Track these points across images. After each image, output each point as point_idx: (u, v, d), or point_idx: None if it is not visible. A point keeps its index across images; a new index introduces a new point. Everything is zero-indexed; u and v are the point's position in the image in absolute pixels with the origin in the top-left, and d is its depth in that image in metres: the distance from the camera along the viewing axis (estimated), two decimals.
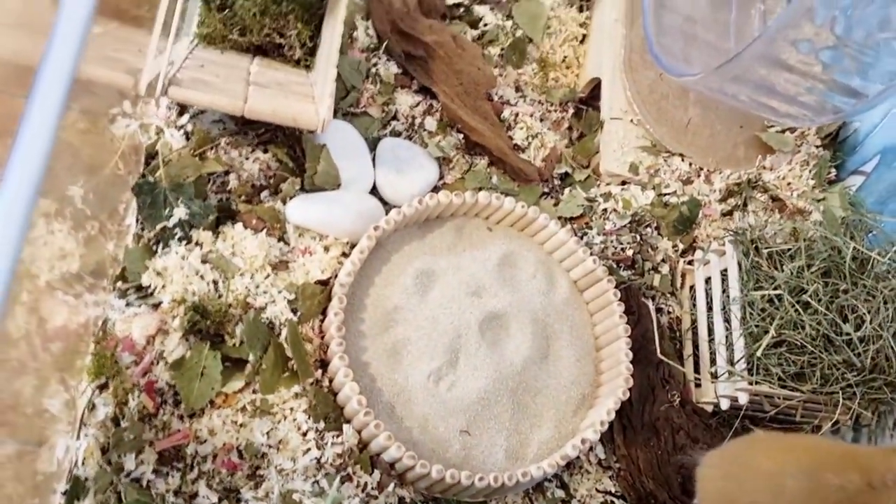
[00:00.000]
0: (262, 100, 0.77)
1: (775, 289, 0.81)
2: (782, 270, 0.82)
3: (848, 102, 0.78)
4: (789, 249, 0.84)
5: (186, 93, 0.74)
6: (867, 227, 0.89)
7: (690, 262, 0.94)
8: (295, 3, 0.90)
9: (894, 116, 0.97)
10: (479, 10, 1.01)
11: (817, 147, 1.01)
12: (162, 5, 0.77)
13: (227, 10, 0.92)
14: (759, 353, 0.80)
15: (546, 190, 0.95)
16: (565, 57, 1.07)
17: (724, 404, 0.83)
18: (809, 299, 0.80)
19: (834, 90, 0.78)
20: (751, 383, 0.81)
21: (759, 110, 0.89)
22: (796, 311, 0.80)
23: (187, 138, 0.80)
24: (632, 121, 0.98)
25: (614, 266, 0.92)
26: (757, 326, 0.82)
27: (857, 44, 0.75)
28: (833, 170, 1.01)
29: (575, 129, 1.03)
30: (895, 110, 0.97)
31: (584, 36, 1.09)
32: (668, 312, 0.94)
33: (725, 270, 0.87)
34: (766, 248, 0.84)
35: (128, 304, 0.71)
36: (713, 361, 0.86)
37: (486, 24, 1.01)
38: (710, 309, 0.89)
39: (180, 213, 0.74)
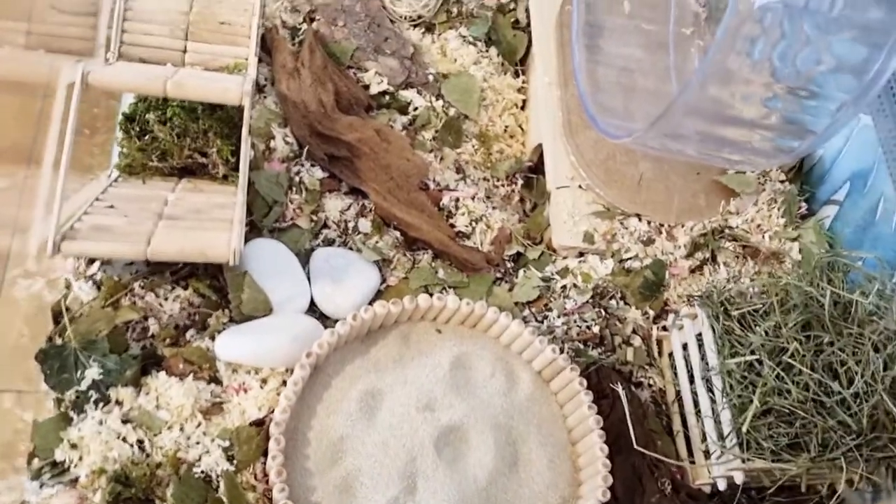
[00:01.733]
0: (167, 239, 0.72)
1: (752, 353, 0.74)
2: (756, 332, 0.75)
3: (800, 141, 0.72)
4: (762, 306, 0.77)
5: (82, 245, 0.69)
6: (845, 267, 0.82)
7: (665, 328, 0.88)
8: (213, 119, 0.86)
9: (856, 140, 0.90)
10: (406, 94, 0.97)
11: (782, 182, 0.95)
12: (48, 155, 0.73)
13: (146, 136, 0.89)
14: (745, 427, 0.72)
15: (499, 274, 0.89)
16: (507, 127, 1.02)
17: (721, 485, 0.76)
18: (791, 360, 0.73)
19: (783, 132, 0.72)
20: (743, 461, 0.73)
21: (710, 161, 0.83)
22: (778, 376, 0.72)
23: (98, 288, 0.75)
24: (580, 186, 0.92)
25: (581, 347, 0.85)
26: (740, 396, 0.74)
27: (796, 82, 0.69)
28: (803, 203, 0.95)
29: (527, 201, 0.98)
30: (856, 133, 0.91)
31: (524, 101, 1.04)
32: (650, 385, 0.87)
33: (700, 335, 0.80)
34: (737, 308, 0.77)
35: (42, 486, 0.66)
36: (704, 437, 0.78)
37: (415, 108, 0.97)
38: (692, 379, 0.81)
39: (93, 373, 0.69)
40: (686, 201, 0.93)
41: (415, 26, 1.02)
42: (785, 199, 0.93)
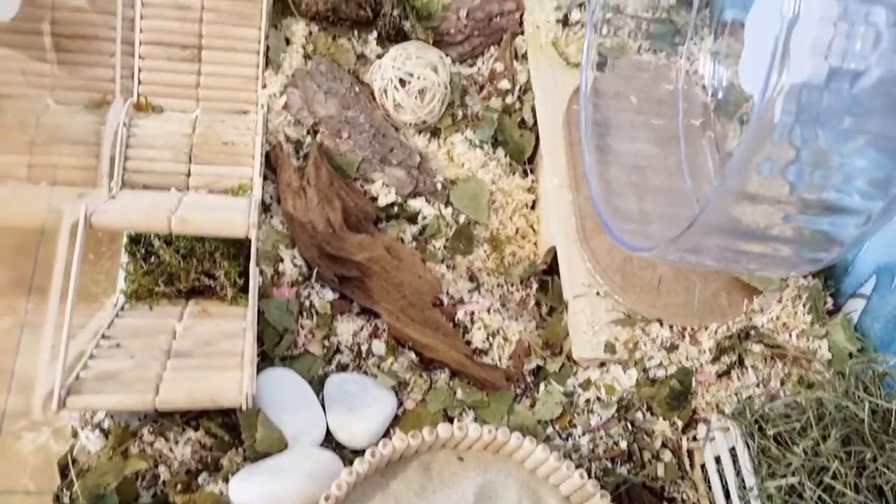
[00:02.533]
0: (175, 388, 0.69)
1: (792, 474, 0.71)
2: (794, 451, 0.71)
3: (825, 253, 0.70)
4: (798, 423, 0.73)
5: (88, 400, 0.67)
6: (881, 371, 0.79)
7: (695, 438, 0.84)
8: (219, 239, 0.85)
9: (881, 232, 0.88)
10: (415, 203, 0.95)
11: (805, 277, 0.92)
12: (52, 295, 0.71)
13: (152, 259, 0.87)
14: None
15: (520, 390, 0.86)
16: (518, 229, 1.00)
17: None
18: (833, 482, 0.69)
19: (807, 245, 0.70)
20: None
21: (731, 269, 0.80)
22: (820, 498, 0.69)
23: (106, 436, 0.72)
24: (598, 293, 0.90)
25: (609, 465, 0.81)
26: None
27: (815, 196, 0.67)
28: (829, 298, 0.92)
29: (543, 304, 0.95)
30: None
31: (534, 201, 1.02)
32: (683, 500, 0.82)
33: (734, 449, 0.76)
34: (772, 426, 0.74)
35: None
36: None
37: (424, 218, 0.95)
38: (727, 494, 0.78)
39: None
40: (707, 302, 0.90)
41: (420, 132, 1.01)
42: (810, 295, 0.90)
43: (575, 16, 1.08)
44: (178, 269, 0.88)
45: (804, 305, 0.90)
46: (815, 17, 0.62)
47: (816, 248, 0.69)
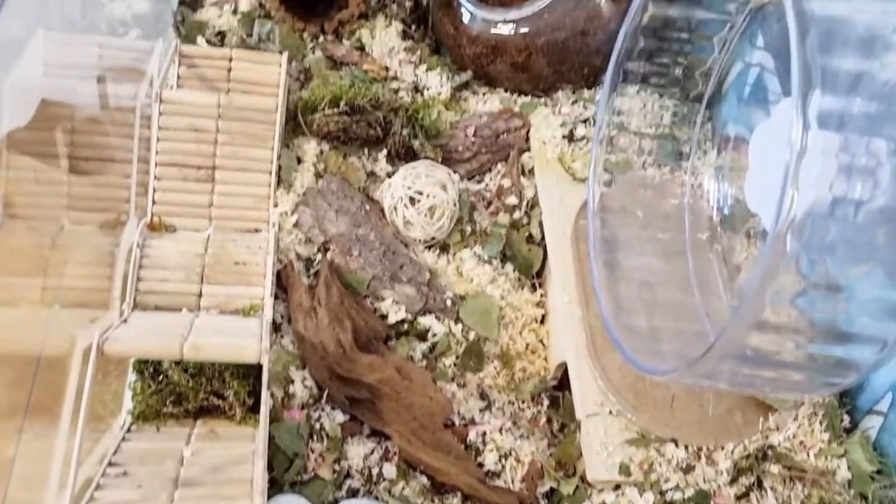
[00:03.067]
0: None
1: None
2: None
3: (842, 378, 0.69)
4: None
5: None
6: None
7: None
8: None
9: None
10: (425, 320, 0.95)
11: None
12: (63, 421, 0.70)
13: (160, 377, 0.87)
14: None
15: None
16: (528, 344, 1.00)
17: None
18: None
19: (821, 369, 0.69)
20: None
21: (745, 393, 0.80)
22: None
23: None
24: (610, 412, 0.89)
25: None
26: None
27: (832, 316, 0.67)
28: (846, 415, 0.91)
29: (555, 421, 0.94)
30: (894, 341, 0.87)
31: (544, 316, 1.02)
32: None
33: None
34: None
35: None
36: None
37: (434, 335, 0.95)
38: None
39: None
40: (722, 420, 0.89)
41: (429, 248, 1.02)
42: (826, 412, 0.89)
43: (580, 131, 1.10)
44: (187, 389, 0.87)
45: (820, 423, 0.89)
46: (818, 149, 0.63)
47: (832, 374, 0.69)
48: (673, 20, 0.96)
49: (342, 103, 1.03)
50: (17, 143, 0.96)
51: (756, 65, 1.04)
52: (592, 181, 1.00)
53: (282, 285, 0.94)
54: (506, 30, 1.12)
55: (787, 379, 0.72)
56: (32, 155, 0.98)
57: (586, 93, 1.15)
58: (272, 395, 0.84)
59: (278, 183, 1.00)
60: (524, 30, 1.11)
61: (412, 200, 0.99)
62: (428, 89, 1.13)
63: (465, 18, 1.15)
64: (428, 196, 0.98)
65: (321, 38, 1.18)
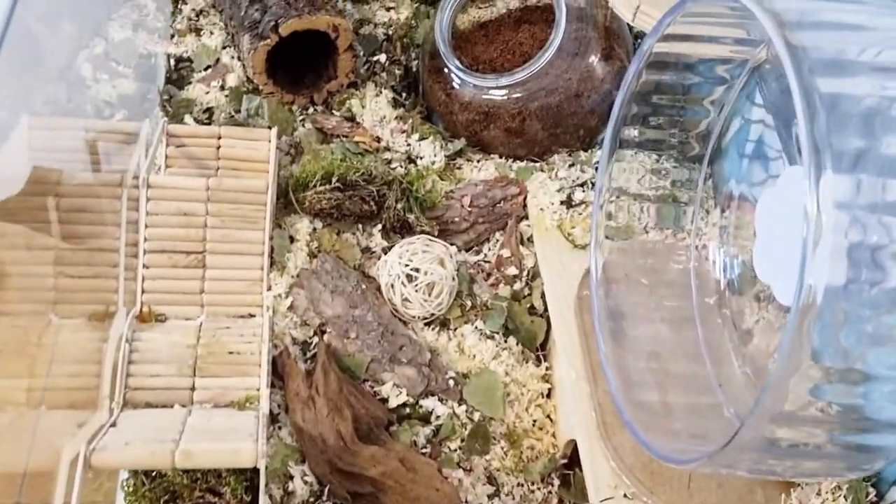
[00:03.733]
0: None
1: None
2: None
3: (869, 464, 0.66)
4: None
5: None
6: None
7: None
8: None
9: None
10: (427, 403, 0.92)
11: None
12: None
13: (154, 475, 0.84)
14: None
15: None
16: (535, 420, 0.96)
17: None
18: None
19: (845, 456, 0.66)
20: None
21: (766, 478, 0.76)
22: None
23: None
24: (625, 495, 0.85)
25: None
26: None
27: (854, 402, 0.64)
28: (871, 489, 0.87)
29: (566, 502, 0.90)
30: None
31: (550, 390, 0.99)
32: None
33: None
34: None
35: None
36: None
37: (438, 417, 0.91)
38: None
39: None
40: (743, 499, 0.85)
41: (428, 324, 0.99)
42: (851, 486, 0.85)
43: (578, 196, 1.08)
44: (182, 487, 0.84)
45: (845, 498, 0.85)
46: (830, 230, 0.60)
47: (858, 461, 0.66)
48: (665, 85, 0.94)
49: (334, 179, 1.00)
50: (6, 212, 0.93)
51: (756, 121, 1.02)
52: (594, 250, 0.97)
53: (278, 373, 0.91)
54: (498, 95, 1.10)
55: (810, 466, 0.68)
56: (23, 223, 0.95)
57: (583, 155, 1.13)
58: (270, 496, 0.80)
59: (271, 265, 0.97)
60: (517, 95, 1.09)
61: (409, 277, 0.96)
62: (421, 158, 1.11)
63: (456, 84, 1.13)
64: (426, 273, 0.96)
65: (311, 110, 1.16)
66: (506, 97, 1.10)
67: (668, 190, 1.04)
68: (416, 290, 0.96)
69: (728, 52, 0.92)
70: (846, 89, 0.60)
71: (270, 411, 0.87)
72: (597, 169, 1.11)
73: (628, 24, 1.11)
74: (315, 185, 1.00)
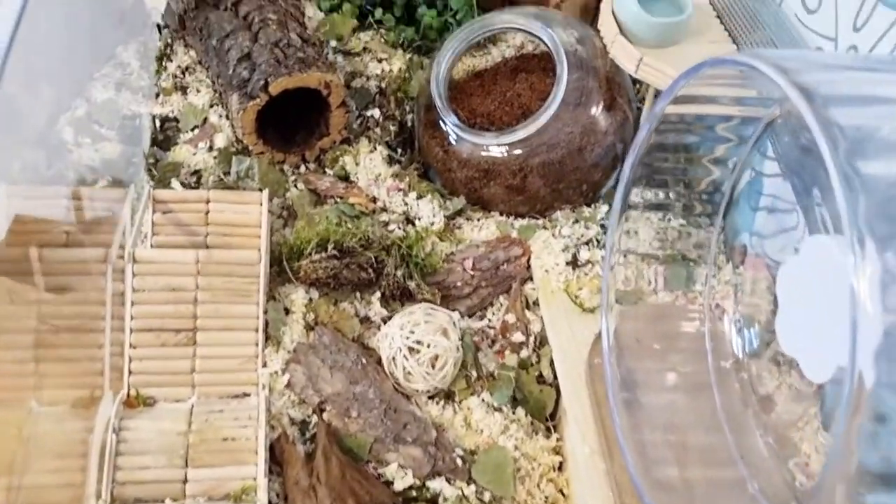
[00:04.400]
0: None
1: None
2: None
3: None
4: None
5: None
6: None
7: None
8: None
9: None
10: (434, 484, 0.87)
11: None
12: None
13: None
14: None
15: None
16: (547, 497, 0.91)
17: None
18: None
19: None
20: None
21: None
22: None
23: None
24: None
25: None
26: None
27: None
28: None
29: None
30: None
31: (561, 463, 0.94)
32: None
33: None
34: None
35: None
36: None
37: (446, 500, 0.86)
38: None
39: None
40: None
41: (432, 398, 0.94)
42: None
43: (584, 255, 1.04)
44: None
45: None
46: (877, 320, 0.56)
47: None
48: (670, 145, 0.91)
49: (330, 246, 0.96)
50: None
51: (770, 175, 0.99)
52: (605, 314, 0.93)
53: (276, 459, 0.85)
54: (498, 151, 1.06)
55: None
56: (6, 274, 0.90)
57: (586, 210, 1.09)
58: None
59: (266, 340, 0.92)
60: (518, 151, 1.05)
61: (412, 350, 0.91)
62: (419, 219, 1.06)
63: (454, 140, 1.09)
64: (429, 345, 0.91)
65: (303, 168, 1.12)
66: (506, 153, 1.06)
67: (678, 249, 1.00)
68: (419, 364, 0.91)
69: (737, 111, 0.89)
70: (884, 170, 0.56)
71: (269, 502, 0.81)
72: (602, 226, 1.08)
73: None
74: (310, 254, 0.96)
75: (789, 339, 0.80)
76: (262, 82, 1.03)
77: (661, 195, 0.95)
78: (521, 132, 1.03)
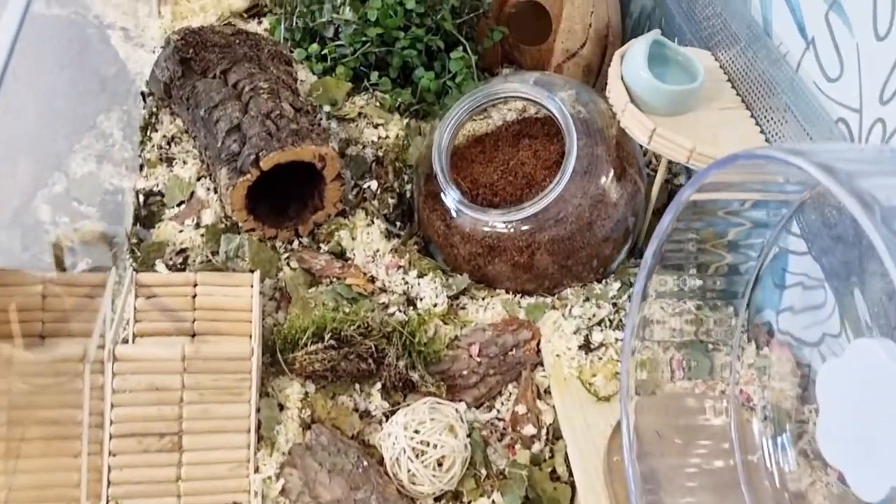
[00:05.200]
0: None
1: None
2: None
3: None
4: None
5: None
6: None
7: None
8: None
9: None
10: None
11: None
12: None
13: None
14: None
15: None
16: None
17: None
18: None
19: None
20: None
21: None
22: None
23: None
24: None
25: None
26: None
27: None
28: None
29: None
30: None
31: None
32: None
33: None
34: None
35: None
36: None
37: None
38: None
39: None
40: None
41: (438, 500, 0.87)
42: None
43: (596, 337, 0.97)
44: None
45: None
46: None
47: None
48: (692, 229, 0.85)
49: (327, 335, 0.89)
50: None
51: (796, 252, 0.93)
52: (624, 406, 0.87)
53: None
54: (503, 227, 1.00)
55: None
56: None
57: (597, 287, 1.03)
58: None
59: (258, 441, 0.85)
60: (525, 227, 0.99)
61: (416, 451, 0.84)
62: (421, 300, 1.00)
63: (455, 213, 1.03)
64: (435, 446, 0.84)
65: (296, 244, 1.06)
66: (512, 229, 1.00)
67: (696, 333, 0.94)
68: (425, 466, 0.84)
69: (760, 196, 0.84)
70: None
71: None
72: (614, 304, 1.02)
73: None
74: (306, 344, 0.89)
75: (833, 448, 0.73)
76: (252, 157, 0.97)
77: (677, 278, 0.89)
78: (529, 209, 0.97)
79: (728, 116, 1.03)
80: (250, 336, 0.92)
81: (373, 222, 1.07)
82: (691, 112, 1.02)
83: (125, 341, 0.91)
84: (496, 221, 0.99)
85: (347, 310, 0.93)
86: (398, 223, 1.10)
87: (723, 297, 0.93)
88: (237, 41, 1.10)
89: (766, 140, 1.00)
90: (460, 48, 1.23)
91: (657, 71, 1.00)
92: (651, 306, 0.87)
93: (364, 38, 1.20)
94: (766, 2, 1.06)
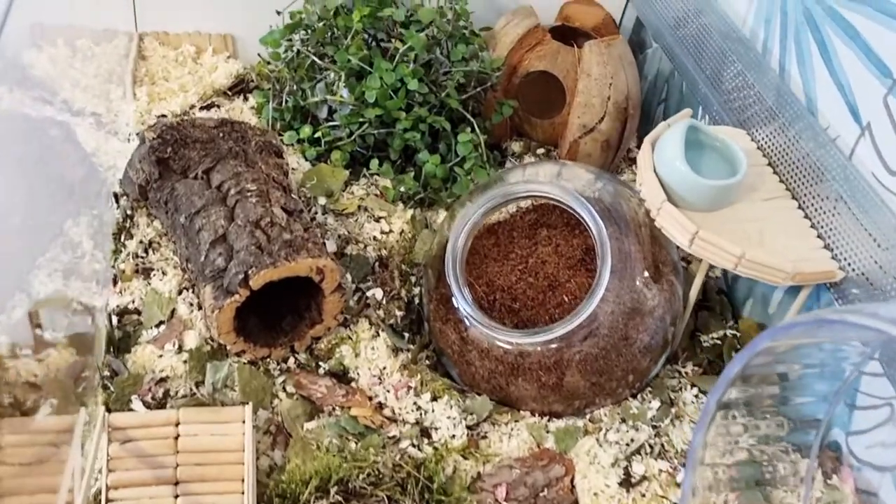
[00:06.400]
0: None
1: None
2: None
3: None
4: None
5: None
6: None
7: None
8: None
9: None
10: None
11: None
12: None
13: None
14: None
15: None
16: None
17: None
18: None
19: None
20: None
21: None
22: None
23: None
24: None
25: None
26: None
27: None
28: None
29: None
30: None
31: None
32: None
33: None
34: None
35: None
36: None
37: None
38: None
39: None
40: None
41: None
42: None
43: (637, 469, 0.85)
44: None
45: None
46: None
47: None
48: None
49: (333, 487, 0.77)
50: None
51: (870, 374, 0.82)
52: None
53: None
54: (529, 345, 0.88)
55: None
56: None
57: (633, 406, 0.91)
58: None
59: None
60: (554, 344, 0.88)
61: None
62: (437, 429, 0.88)
63: (470, 324, 0.91)
64: None
65: (291, 362, 0.93)
66: (538, 347, 0.88)
67: (752, 474, 0.83)
68: None
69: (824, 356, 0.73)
70: None
71: None
72: (654, 426, 0.90)
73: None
74: (308, 500, 0.76)
75: None
76: (241, 276, 0.85)
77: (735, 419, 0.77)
78: (560, 330, 0.85)
79: (773, 208, 0.92)
80: (242, 482, 0.80)
81: (378, 334, 0.95)
82: (732, 205, 0.91)
83: (97, 496, 0.79)
84: (523, 342, 0.88)
85: (354, 449, 0.81)
86: (406, 334, 0.98)
87: (779, 437, 0.82)
88: (221, 134, 0.98)
89: (819, 236, 0.89)
90: (468, 128, 1.12)
91: (692, 158, 0.89)
92: (710, 450, 0.76)
93: (361, 120, 1.09)
94: (807, 77, 0.96)
